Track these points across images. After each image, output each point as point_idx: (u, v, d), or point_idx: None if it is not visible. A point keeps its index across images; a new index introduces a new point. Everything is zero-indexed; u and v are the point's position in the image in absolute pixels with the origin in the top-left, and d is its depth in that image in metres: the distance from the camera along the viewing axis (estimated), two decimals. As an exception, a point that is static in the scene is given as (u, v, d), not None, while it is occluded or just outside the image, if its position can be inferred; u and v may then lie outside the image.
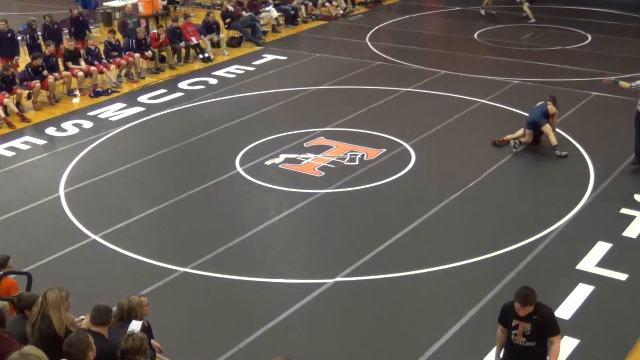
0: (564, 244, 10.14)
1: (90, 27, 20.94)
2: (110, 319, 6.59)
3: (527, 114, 14.15)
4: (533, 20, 22.34)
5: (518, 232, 10.42)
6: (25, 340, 6.54)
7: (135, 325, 6.55)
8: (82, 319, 6.92)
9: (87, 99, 17.05)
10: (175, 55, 19.40)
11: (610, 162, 12.57)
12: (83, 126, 15.29)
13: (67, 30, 20.01)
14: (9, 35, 18.07)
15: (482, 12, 23.65)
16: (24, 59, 18.16)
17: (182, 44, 19.42)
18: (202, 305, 9.21)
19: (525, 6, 22.57)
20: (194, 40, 19.76)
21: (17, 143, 14.56)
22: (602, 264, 9.60)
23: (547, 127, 12.97)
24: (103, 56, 18.06)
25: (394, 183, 12.18)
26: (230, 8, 21.48)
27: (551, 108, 13.20)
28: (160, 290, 9.41)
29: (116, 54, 18.19)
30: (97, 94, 17.12)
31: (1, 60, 17.43)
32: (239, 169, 12.84)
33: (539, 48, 19.88)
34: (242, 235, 10.67)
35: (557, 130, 13.43)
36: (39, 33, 19.17)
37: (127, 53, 18.28)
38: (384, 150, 13.35)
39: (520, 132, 13.34)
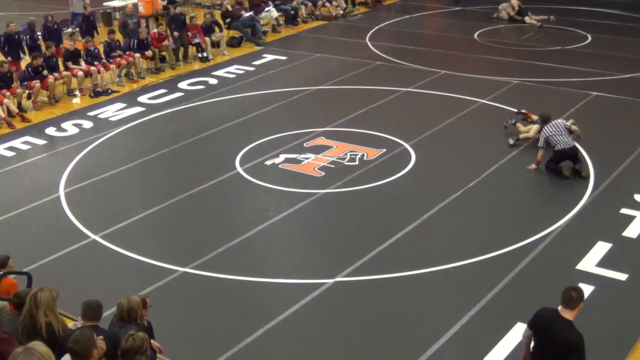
0: (564, 244, 10.13)
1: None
2: (101, 315, 6.60)
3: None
4: (539, 24, 22.23)
5: (518, 232, 10.42)
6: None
7: None
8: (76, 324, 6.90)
9: (87, 99, 17.06)
10: (176, 54, 19.39)
11: (610, 162, 12.57)
12: (83, 126, 15.29)
13: (68, 30, 20.01)
14: (16, 37, 18.11)
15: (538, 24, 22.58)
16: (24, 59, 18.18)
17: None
18: (202, 305, 9.21)
19: (527, 19, 22.51)
20: (197, 40, 19.71)
21: (17, 143, 14.55)
22: (602, 264, 9.59)
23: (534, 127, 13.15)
24: (103, 56, 18.06)
25: (394, 183, 12.17)
26: (230, 8, 21.48)
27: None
28: (160, 290, 9.40)
29: (116, 54, 18.18)
30: (97, 94, 17.12)
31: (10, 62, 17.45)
32: (239, 169, 12.84)
33: (539, 48, 19.87)
34: (242, 235, 10.67)
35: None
36: (39, 33, 19.18)
37: (127, 53, 18.28)
38: (384, 150, 13.34)
39: (527, 129, 13.43)
